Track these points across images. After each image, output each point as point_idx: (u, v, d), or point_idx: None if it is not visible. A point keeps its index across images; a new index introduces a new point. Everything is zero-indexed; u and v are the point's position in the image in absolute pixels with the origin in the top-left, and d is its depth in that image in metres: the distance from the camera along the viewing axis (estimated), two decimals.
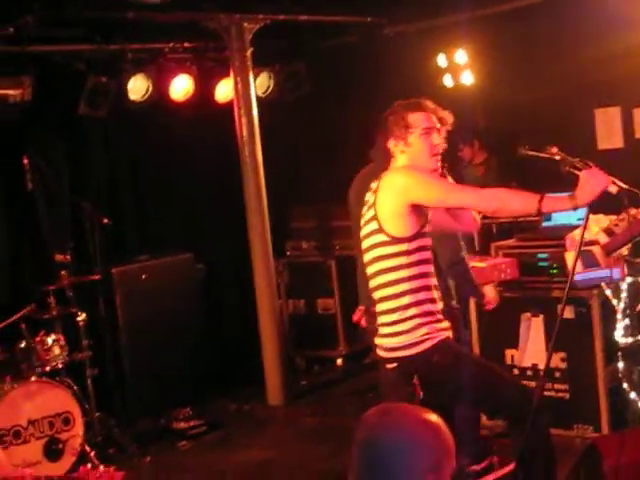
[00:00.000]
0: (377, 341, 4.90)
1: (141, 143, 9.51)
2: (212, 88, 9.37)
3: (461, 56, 9.50)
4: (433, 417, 2.43)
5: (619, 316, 6.50)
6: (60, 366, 7.32)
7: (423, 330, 4.70)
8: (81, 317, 7.69)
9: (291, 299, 9.96)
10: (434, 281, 4.79)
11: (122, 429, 8.00)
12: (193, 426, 8.20)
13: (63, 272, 7.65)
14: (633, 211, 5.89)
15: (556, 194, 4.49)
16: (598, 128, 8.97)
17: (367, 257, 4.84)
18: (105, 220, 8.23)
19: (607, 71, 8.50)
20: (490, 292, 6.40)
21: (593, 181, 4.42)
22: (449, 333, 4.82)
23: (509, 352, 6.76)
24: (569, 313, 6.81)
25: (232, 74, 8.88)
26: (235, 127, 8.85)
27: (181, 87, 9.09)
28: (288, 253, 10.20)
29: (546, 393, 6.88)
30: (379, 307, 4.84)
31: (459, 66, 9.55)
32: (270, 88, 9.87)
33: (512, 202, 4.61)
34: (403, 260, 4.68)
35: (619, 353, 6.54)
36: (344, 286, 9.50)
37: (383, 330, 4.83)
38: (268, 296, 9.02)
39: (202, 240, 9.59)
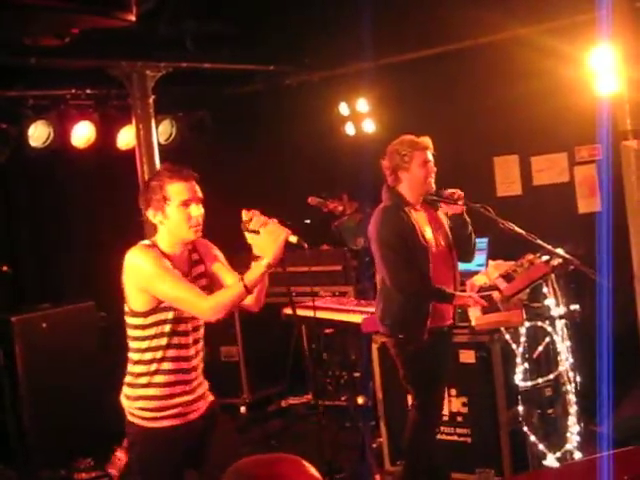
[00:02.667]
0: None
1: (42, 190, 9.42)
2: (114, 135, 9.32)
3: (362, 105, 9.62)
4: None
5: (519, 360, 6.60)
6: None
7: (140, 404, 4.76)
8: None
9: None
10: (181, 353, 4.77)
11: None
12: (95, 477, 8.08)
13: None
14: (531, 256, 6.01)
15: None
16: (497, 176, 9.14)
17: None
18: (4, 268, 8.12)
19: (505, 120, 8.69)
20: None
21: (271, 237, 4.50)
22: (170, 421, 4.79)
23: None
24: (470, 358, 6.90)
25: (134, 121, 8.85)
26: (137, 174, 8.81)
27: (82, 134, 9.01)
28: None
29: (448, 437, 6.96)
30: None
31: (361, 114, 9.67)
32: (172, 136, 9.86)
33: (228, 300, 4.62)
34: (139, 333, 4.74)
35: (519, 397, 6.63)
36: (247, 334, 9.50)
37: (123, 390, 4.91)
38: None
39: (104, 288, 9.47)
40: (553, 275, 6.31)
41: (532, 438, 6.63)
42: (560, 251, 6.03)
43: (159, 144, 9.03)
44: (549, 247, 6.00)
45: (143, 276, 4.63)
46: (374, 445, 7.68)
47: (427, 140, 6.30)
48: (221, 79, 9.94)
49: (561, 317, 6.57)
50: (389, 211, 6.26)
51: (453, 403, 6.87)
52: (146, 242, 4.80)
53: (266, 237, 4.50)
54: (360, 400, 8.25)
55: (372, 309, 7.00)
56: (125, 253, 4.75)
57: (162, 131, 9.60)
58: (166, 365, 4.73)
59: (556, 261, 6.09)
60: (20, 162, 8.89)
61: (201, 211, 4.72)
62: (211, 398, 5.04)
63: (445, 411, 6.86)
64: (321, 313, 7.96)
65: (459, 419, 7.00)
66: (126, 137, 9.30)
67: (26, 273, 9.38)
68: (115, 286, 9.62)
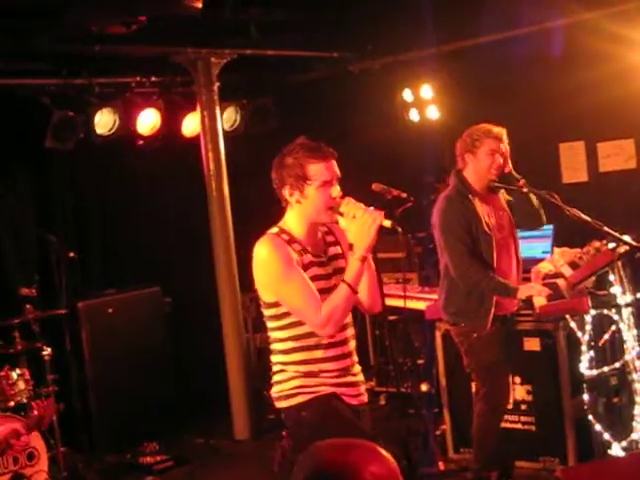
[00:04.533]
0: None
1: (108, 177, 9.51)
2: (179, 122, 9.37)
3: (427, 91, 9.56)
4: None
5: (584, 348, 6.54)
6: (25, 401, 7.21)
7: (296, 382, 4.58)
8: (46, 351, 7.62)
9: (258, 333, 9.90)
10: (320, 340, 4.55)
11: (87, 464, 7.97)
12: (159, 461, 8.14)
13: (28, 306, 7.59)
14: (597, 244, 5.95)
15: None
16: (563, 162, 9.05)
17: None
18: (71, 254, 8.21)
19: (571, 106, 8.58)
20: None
21: (366, 224, 4.34)
22: (333, 389, 4.60)
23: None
24: (535, 345, 6.86)
25: (199, 108, 8.91)
26: (202, 161, 8.87)
27: (148, 121, 9.07)
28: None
29: (512, 425, 6.92)
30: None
31: (425, 101, 9.61)
32: (237, 122, 9.88)
33: (338, 307, 4.43)
34: (275, 323, 4.62)
35: (584, 385, 6.58)
36: None
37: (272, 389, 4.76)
38: (235, 330, 9.01)
39: (169, 274, 9.58)
40: (619, 262, 6.25)
41: (597, 427, 6.57)
42: (627, 238, 5.97)
43: (223, 131, 9.08)
44: (615, 234, 5.94)
45: (268, 273, 4.51)
46: (437, 432, 7.67)
47: (502, 131, 6.27)
48: (284, 66, 9.95)
49: (627, 305, 6.48)
50: (453, 199, 6.24)
51: (517, 391, 6.83)
52: (274, 230, 4.61)
53: (361, 223, 4.35)
54: (423, 387, 8.24)
55: (436, 296, 6.98)
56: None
57: (226, 118, 9.63)
58: (314, 354, 4.57)
59: (622, 248, 6.03)
60: (87, 149, 8.96)
61: (339, 192, 4.53)
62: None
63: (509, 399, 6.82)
64: (385, 300, 7.95)
65: (523, 407, 6.97)
66: (191, 124, 9.35)
67: (93, 259, 9.48)
68: (181, 272, 9.76)
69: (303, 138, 4.60)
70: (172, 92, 9.28)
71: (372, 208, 4.45)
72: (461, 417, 7.19)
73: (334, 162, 4.55)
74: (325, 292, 4.51)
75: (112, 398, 8.58)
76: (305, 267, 4.54)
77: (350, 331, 4.71)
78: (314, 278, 4.54)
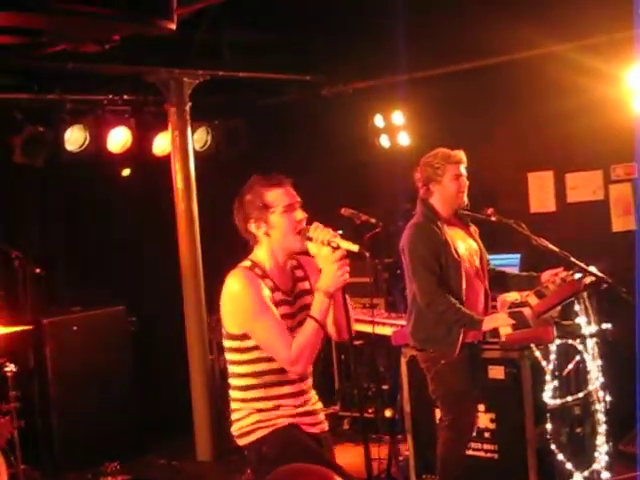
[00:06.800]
0: None
1: (76, 194, 9.47)
2: (150, 141, 9.36)
3: (398, 117, 9.61)
4: None
5: (548, 377, 6.56)
6: None
7: (254, 418, 4.56)
8: (9, 368, 7.55)
9: (223, 355, 9.85)
10: (284, 377, 4.55)
11: None
12: None
13: None
14: (563, 274, 5.99)
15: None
16: (531, 192, 9.10)
17: None
18: (37, 270, 8.16)
19: (541, 136, 8.66)
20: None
21: (328, 257, 4.36)
22: (290, 419, 4.57)
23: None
24: (499, 374, 6.87)
25: (170, 128, 8.91)
26: (172, 181, 8.86)
27: (119, 139, 9.06)
28: None
29: (475, 453, 6.91)
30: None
31: (396, 127, 9.66)
32: (208, 143, 9.88)
33: (308, 343, 4.38)
34: (237, 357, 4.58)
35: (548, 414, 6.59)
36: None
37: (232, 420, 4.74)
38: (200, 351, 8.99)
39: (135, 292, 9.53)
40: (585, 293, 6.29)
41: (559, 456, 6.59)
42: (593, 269, 6.01)
43: (194, 151, 9.08)
44: (582, 265, 5.98)
45: (240, 308, 4.48)
46: (400, 458, 7.66)
47: (461, 154, 6.29)
48: (257, 88, 9.97)
49: (592, 335, 6.53)
50: (421, 226, 6.23)
51: (481, 419, 6.81)
52: (247, 264, 4.59)
53: (321, 263, 4.39)
54: (388, 413, 8.24)
55: (402, 322, 6.98)
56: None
57: (197, 138, 9.63)
58: (272, 391, 4.56)
59: (589, 279, 6.07)
60: (56, 166, 8.93)
61: (304, 215, 4.54)
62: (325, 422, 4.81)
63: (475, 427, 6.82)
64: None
65: (486, 435, 6.96)
66: (162, 143, 9.34)
67: (58, 276, 9.43)
68: (147, 291, 9.72)
69: (255, 176, 4.63)
70: (144, 111, 9.27)
71: (340, 232, 4.46)
72: (424, 443, 7.17)
73: (291, 187, 4.59)
74: (289, 331, 4.49)
75: (74, 416, 8.53)
76: (276, 305, 4.52)
77: (309, 367, 4.68)
78: (283, 317, 4.52)
